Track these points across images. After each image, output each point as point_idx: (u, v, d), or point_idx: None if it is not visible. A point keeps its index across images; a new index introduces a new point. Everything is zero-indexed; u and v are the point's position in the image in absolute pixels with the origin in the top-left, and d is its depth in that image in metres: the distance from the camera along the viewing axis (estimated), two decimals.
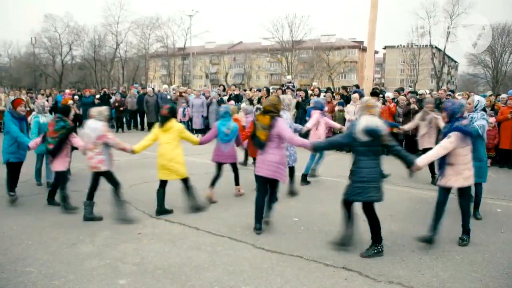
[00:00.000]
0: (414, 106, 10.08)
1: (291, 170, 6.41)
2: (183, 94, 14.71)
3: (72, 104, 7.33)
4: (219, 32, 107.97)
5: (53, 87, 27.76)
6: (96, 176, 5.17)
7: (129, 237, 4.58)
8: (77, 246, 4.33)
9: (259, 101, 12.10)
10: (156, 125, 5.47)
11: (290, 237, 4.63)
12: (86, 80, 53.28)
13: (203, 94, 13.79)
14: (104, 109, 5.26)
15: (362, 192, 3.97)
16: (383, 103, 10.97)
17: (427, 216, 4.52)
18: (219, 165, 6.19)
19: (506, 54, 48.72)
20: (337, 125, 8.16)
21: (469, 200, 4.58)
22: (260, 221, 4.77)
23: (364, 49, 47.52)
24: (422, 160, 4.17)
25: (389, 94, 11.57)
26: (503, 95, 10.18)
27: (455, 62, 67.82)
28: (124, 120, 15.40)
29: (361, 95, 11.17)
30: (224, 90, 15.10)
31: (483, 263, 4.01)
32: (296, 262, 3.97)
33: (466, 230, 4.49)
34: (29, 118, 6.75)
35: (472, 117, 5.11)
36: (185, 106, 13.63)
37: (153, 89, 15.69)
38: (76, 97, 14.65)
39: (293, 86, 13.77)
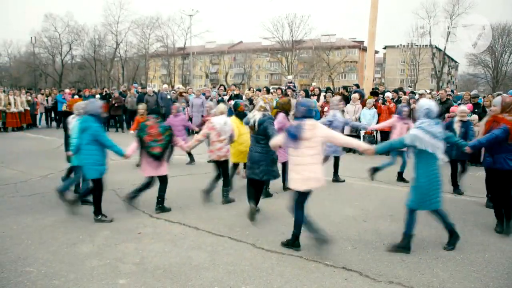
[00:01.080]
0: (414, 106, 10.09)
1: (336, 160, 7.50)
2: (183, 94, 14.73)
3: None
4: (219, 32, 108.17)
5: (53, 87, 27.83)
6: (224, 165, 5.94)
7: (129, 237, 4.59)
8: (77, 245, 4.34)
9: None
10: (234, 118, 6.23)
11: (290, 237, 4.61)
12: (86, 80, 53.33)
13: (203, 94, 13.80)
14: (225, 105, 6.15)
15: (251, 170, 5.06)
16: (383, 103, 10.97)
17: (427, 216, 4.51)
18: None
19: (506, 54, 48.69)
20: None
21: (298, 208, 4.14)
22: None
23: (364, 49, 47.54)
24: (273, 140, 4.49)
25: (389, 94, 11.57)
26: (504, 95, 10.16)
27: (455, 62, 67.74)
28: (124, 119, 15.39)
29: (361, 95, 11.21)
30: (224, 90, 15.10)
31: (483, 263, 4.01)
32: (296, 262, 3.98)
33: (292, 241, 4.24)
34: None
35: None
36: (184, 106, 13.61)
37: (155, 92, 15.56)
38: (76, 96, 14.69)
39: (294, 86, 13.78)
